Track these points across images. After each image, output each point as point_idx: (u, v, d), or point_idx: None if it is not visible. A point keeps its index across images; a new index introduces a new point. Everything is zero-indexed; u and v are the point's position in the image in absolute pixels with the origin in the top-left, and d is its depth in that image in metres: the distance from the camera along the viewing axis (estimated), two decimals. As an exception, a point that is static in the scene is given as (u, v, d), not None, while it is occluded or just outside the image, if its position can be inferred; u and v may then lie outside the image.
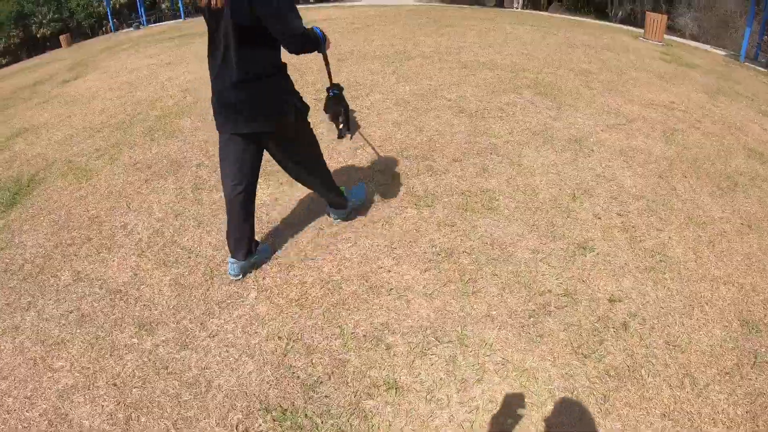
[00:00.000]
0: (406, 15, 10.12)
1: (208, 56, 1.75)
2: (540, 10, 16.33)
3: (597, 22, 12.77)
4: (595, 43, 7.24)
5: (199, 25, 12.64)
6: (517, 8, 14.27)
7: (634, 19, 19.39)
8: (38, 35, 20.11)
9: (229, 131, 1.82)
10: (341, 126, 2.18)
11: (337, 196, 2.33)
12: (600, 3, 23.28)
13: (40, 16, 35.92)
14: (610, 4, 20.95)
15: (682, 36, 18.61)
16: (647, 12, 9.31)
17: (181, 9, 15.91)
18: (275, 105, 1.78)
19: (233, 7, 1.55)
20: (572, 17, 14.01)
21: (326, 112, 2.17)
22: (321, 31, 1.82)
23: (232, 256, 2.09)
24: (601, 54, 6.23)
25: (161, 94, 4.87)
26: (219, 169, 1.96)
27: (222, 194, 2.03)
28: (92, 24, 21.54)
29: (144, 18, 16.68)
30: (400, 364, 1.75)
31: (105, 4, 18.56)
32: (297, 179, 2.18)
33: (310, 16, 9.94)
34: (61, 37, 15.03)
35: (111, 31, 17.81)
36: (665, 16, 9.05)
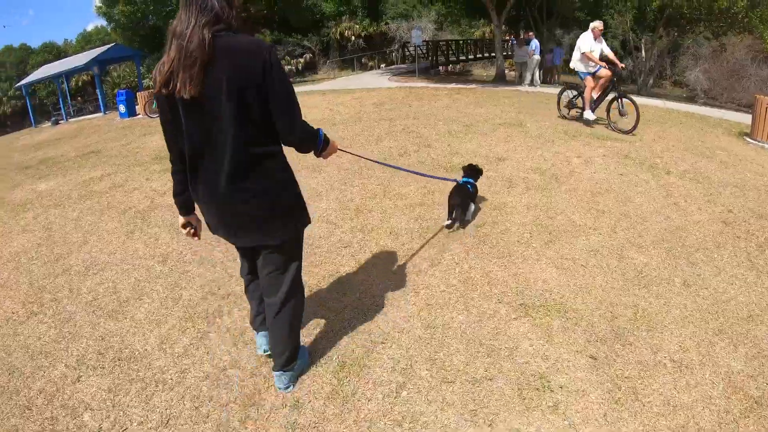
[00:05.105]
0: (375, 112, 6.62)
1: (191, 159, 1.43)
2: (550, 83, 12.98)
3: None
4: (732, 183, 3.77)
5: (98, 131, 8.65)
6: (529, 87, 10.57)
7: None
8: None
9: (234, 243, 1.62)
10: (454, 216, 2.66)
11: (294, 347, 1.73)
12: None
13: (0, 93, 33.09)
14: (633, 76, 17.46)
15: (692, 93, 15.08)
16: (757, 96, 5.76)
17: (101, 102, 12.79)
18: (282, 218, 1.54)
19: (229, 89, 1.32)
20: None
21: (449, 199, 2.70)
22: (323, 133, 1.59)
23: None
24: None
25: None
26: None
27: None
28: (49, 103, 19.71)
29: (64, 112, 13.64)
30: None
31: (23, 93, 15.68)
32: (267, 295, 1.67)
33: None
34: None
35: (32, 125, 14.88)
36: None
